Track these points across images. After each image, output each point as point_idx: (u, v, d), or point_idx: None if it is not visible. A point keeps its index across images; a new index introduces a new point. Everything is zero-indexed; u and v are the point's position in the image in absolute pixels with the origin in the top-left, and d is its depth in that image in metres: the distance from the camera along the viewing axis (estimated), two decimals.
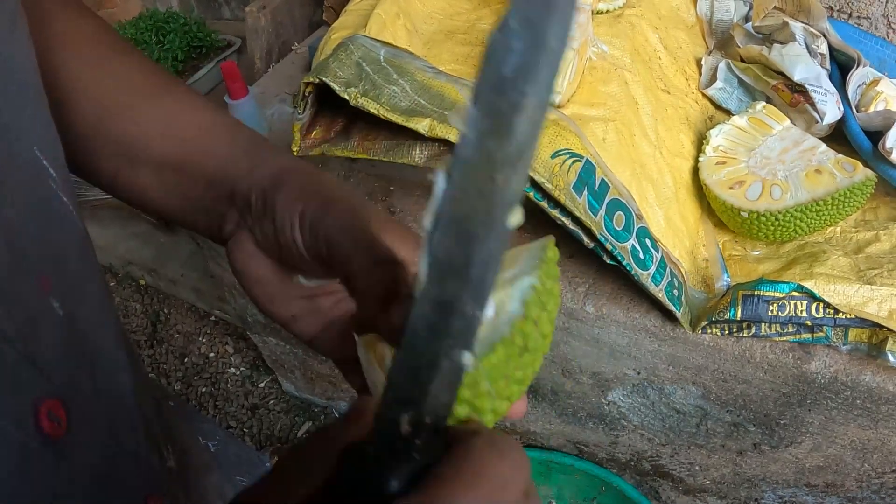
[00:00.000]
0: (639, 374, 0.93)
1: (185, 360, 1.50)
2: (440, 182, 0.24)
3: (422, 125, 0.70)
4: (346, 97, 0.71)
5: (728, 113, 1.05)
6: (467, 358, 0.26)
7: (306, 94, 0.74)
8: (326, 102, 0.80)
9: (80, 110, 0.40)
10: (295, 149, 0.79)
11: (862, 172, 0.86)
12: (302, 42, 1.26)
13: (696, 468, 1.11)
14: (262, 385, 1.46)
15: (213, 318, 1.54)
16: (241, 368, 1.48)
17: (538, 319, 0.30)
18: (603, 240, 0.73)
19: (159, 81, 0.43)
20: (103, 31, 0.44)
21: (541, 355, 0.31)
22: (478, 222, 0.24)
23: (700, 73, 1.08)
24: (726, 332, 0.83)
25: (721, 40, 1.15)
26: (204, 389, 1.45)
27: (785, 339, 0.83)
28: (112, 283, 1.62)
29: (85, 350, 0.35)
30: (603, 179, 0.74)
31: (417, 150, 0.73)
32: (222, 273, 1.18)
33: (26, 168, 0.32)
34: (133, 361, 0.44)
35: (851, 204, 0.87)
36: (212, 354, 1.50)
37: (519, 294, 0.30)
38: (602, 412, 1.04)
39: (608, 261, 0.76)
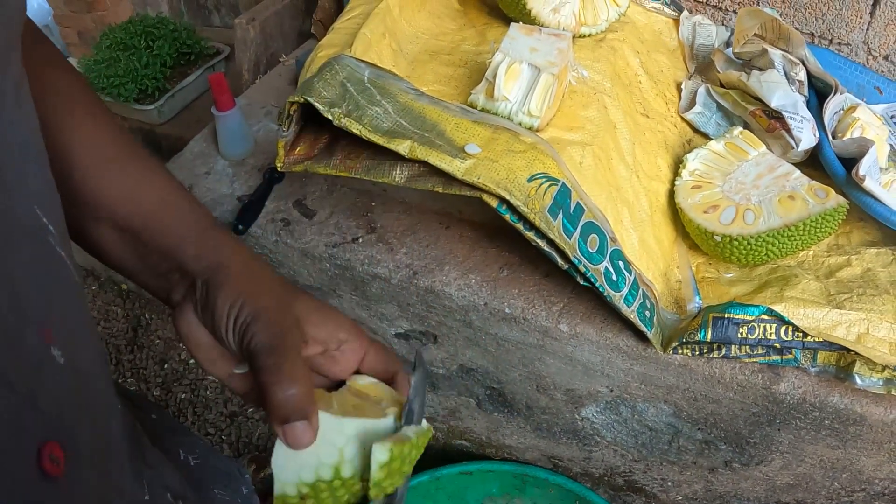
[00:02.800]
0: (611, 391, 0.95)
1: (165, 365, 1.50)
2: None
3: (402, 147, 0.71)
4: (330, 117, 0.73)
5: (706, 137, 1.07)
6: None
7: (291, 112, 0.75)
8: (311, 118, 0.82)
9: (51, 165, 0.42)
10: (279, 164, 0.80)
11: (834, 199, 0.88)
12: (290, 54, 1.27)
13: (669, 484, 1.12)
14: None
15: None
16: None
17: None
18: (577, 262, 0.74)
19: (126, 149, 0.47)
20: (80, 91, 0.47)
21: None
22: None
23: (680, 97, 1.10)
24: (697, 352, 0.85)
25: (702, 65, 1.17)
26: (183, 396, 1.46)
27: (754, 360, 0.85)
28: (94, 288, 1.62)
29: (83, 396, 0.37)
30: (578, 203, 0.75)
31: (398, 170, 0.74)
32: None
33: (27, 224, 0.34)
34: (120, 401, 0.47)
35: (823, 230, 0.89)
36: (192, 361, 1.50)
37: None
38: (576, 428, 1.06)
39: (581, 282, 0.78)
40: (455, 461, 1.21)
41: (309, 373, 0.44)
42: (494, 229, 0.94)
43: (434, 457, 1.27)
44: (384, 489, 0.46)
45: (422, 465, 1.20)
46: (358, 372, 0.51)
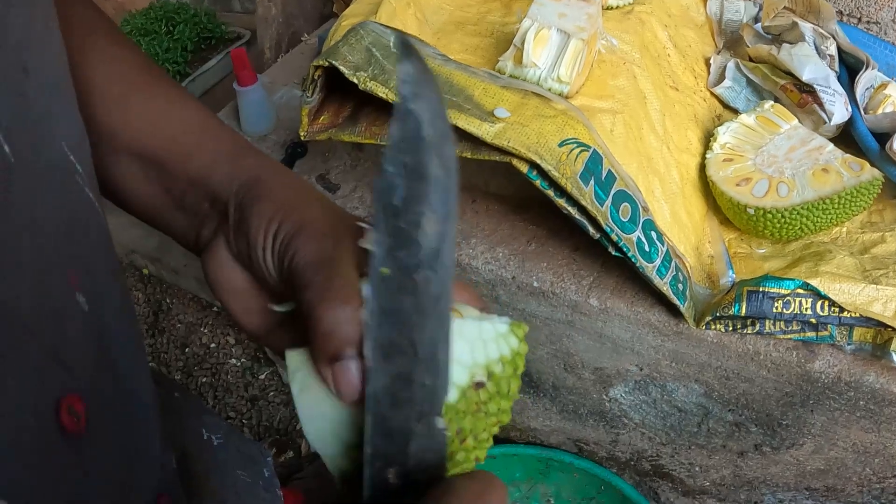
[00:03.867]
0: (641, 370, 0.93)
1: (186, 350, 1.50)
2: (365, 289, 0.31)
3: None
4: (355, 81, 0.71)
5: (736, 112, 1.05)
6: (440, 423, 0.32)
7: (315, 77, 0.74)
8: (335, 88, 0.81)
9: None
10: (302, 133, 0.79)
11: (869, 172, 0.86)
12: (312, 33, 1.26)
13: (697, 469, 1.10)
14: (262, 377, 1.46)
15: (215, 308, 1.54)
16: (242, 360, 1.48)
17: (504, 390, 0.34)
18: (609, 230, 0.73)
19: (152, 77, 0.43)
20: (101, 21, 0.44)
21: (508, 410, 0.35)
22: (411, 313, 0.31)
23: (709, 72, 1.08)
24: (730, 328, 0.83)
25: (730, 40, 1.15)
26: (204, 380, 1.45)
27: (789, 336, 0.83)
28: None
29: (107, 348, 0.34)
30: (610, 170, 0.74)
31: None
32: None
33: (55, 163, 0.32)
34: (148, 363, 0.44)
35: (858, 203, 0.86)
36: (213, 345, 1.50)
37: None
38: (603, 409, 1.04)
39: (613, 252, 0.76)
40: None
41: (361, 298, 0.34)
42: (522, 202, 0.92)
43: None
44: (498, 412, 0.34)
45: None
46: None
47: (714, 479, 1.11)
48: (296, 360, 0.34)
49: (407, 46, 0.32)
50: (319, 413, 0.33)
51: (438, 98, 0.32)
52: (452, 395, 0.33)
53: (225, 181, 0.39)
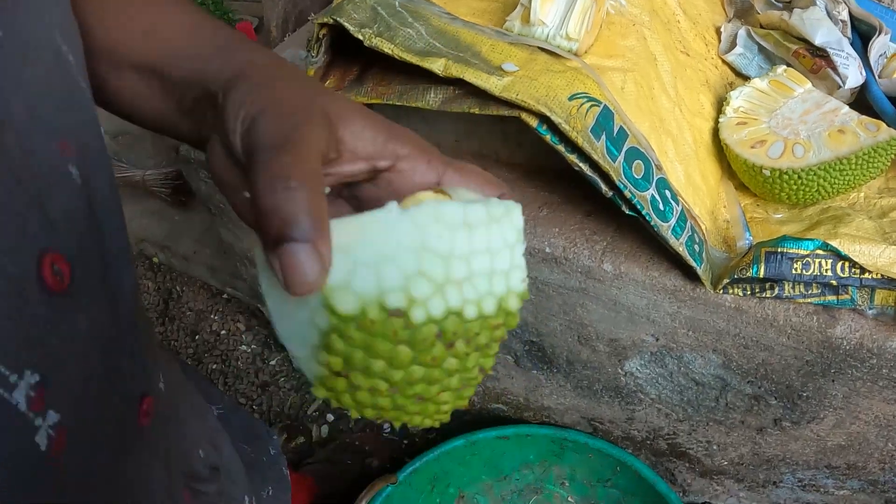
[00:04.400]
0: (657, 340, 0.91)
1: (197, 337, 1.49)
2: None
3: (437, 65, 0.69)
4: (361, 38, 0.70)
5: (747, 79, 1.04)
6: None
7: (321, 36, 0.73)
8: (342, 52, 0.80)
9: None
10: None
11: (886, 132, 0.84)
12: (319, 13, 1.26)
13: (714, 447, 1.08)
14: (272, 363, 1.46)
15: (225, 295, 1.53)
16: (253, 346, 1.48)
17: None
18: (622, 187, 0.71)
19: None
20: None
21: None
22: None
23: (719, 41, 1.07)
24: (748, 292, 0.81)
25: (741, 9, 1.14)
26: (214, 366, 1.45)
27: (809, 300, 0.81)
28: None
29: (96, 222, 0.34)
30: (622, 126, 0.72)
31: (432, 93, 0.71)
32: (234, 241, 1.18)
33: (46, 44, 0.32)
34: (134, 271, 0.43)
35: (875, 164, 0.84)
36: (223, 332, 1.49)
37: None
38: (618, 384, 1.02)
39: (627, 211, 0.74)
40: (491, 426, 1.17)
41: (321, 179, 0.30)
42: (532, 169, 0.90)
43: (469, 421, 1.24)
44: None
45: (457, 430, 1.18)
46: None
47: (732, 457, 1.09)
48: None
49: None
50: (286, 311, 0.31)
51: None
52: (423, 289, 0.29)
53: (216, 76, 0.37)
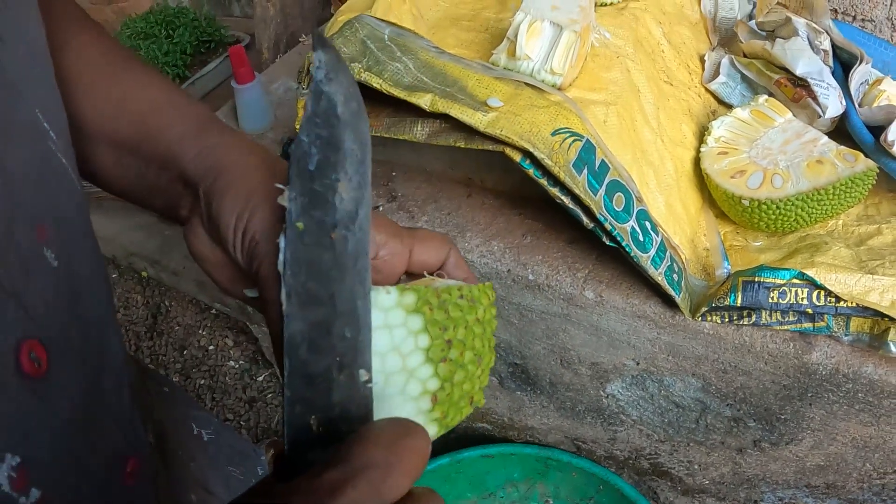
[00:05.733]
0: (638, 364, 0.92)
1: (185, 352, 1.50)
2: (282, 241, 0.32)
3: (423, 100, 0.70)
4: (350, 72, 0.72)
5: (730, 108, 1.06)
6: (363, 375, 0.33)
7: (310, 69, 0.75)
8: None
9: None
10: (298, 125, 0.79)
11: (863, 163, 0.86)
12: (309, 34, 1.27)
13: (696, 467, 1.10)
14: (260, 378, 1.46)
15: (213, 311, 1.54)
16: (241, 362, 1.48)
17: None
18: (602, 220, 0.73)
19: (117, 58, 0.44)
20: (72, 10, 0.45)
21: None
22: (329, 267, 0.32)
23: (703, 69, 1.09)
24: (726, 319, 0.83)
25: (725, 38, 1.16)
26: (202, 382, 1.45)
27: (786, 328, 0.83)
28: (114, 275, 1.62)
29: (75, 303, 0.35)
30: (603, 160, 0.74)
31: (419, 126, 0.73)
32: None
33: (27, 125, 0.33)
34: (120, 333, 0.44)
35: (853, 194, 0.87)
36: (211, 347, 1.50)
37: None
38: (601, 405, 1.03)
39: (607, 242, 0.76)
40: (476, 445, 1.18)
41: None
42: (517, 197, 0.92)
43: (455, 440, 1.25)
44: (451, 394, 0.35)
45: (442, 448, 1.19)
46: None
47: (713, 476, 1.10)
48: None
49: (321, 38, 0.34)
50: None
51: (351, 82, 0.34)
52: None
53: (192, 164, 0.39)
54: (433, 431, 0.36)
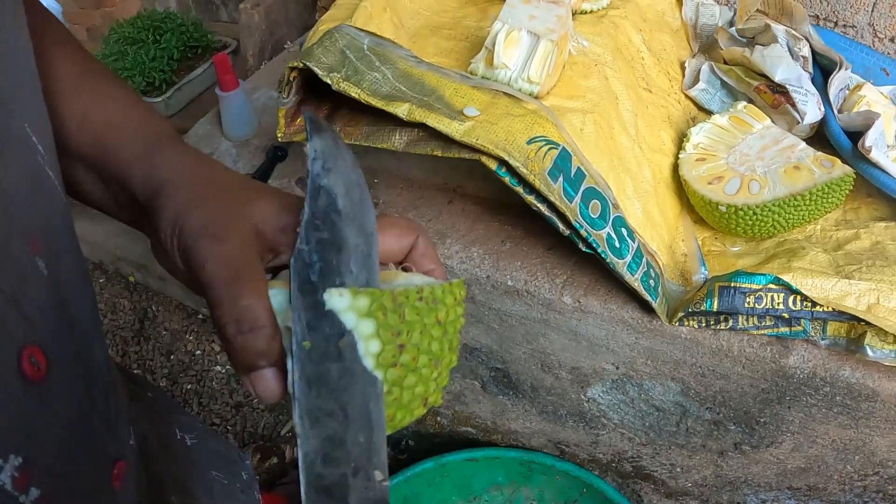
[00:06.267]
0: (617, 368, 0.93)
1: (172, 357, 1.50)
2: (289, 362, 0.32)
3: (401, 109, 0.71)
4: (329, 81, 0.73)
5: (710, 114, 1.06)
6: (378, 475, 0.33)
7: (291, 79, 0.76)
8: (313, 91, 0.82)
9: None
10: (279, 134, 0.80)
11: (840, 169, 0.87)
12: (295, 41, 1.28)
13: (678, 469, 1.11)
14: None
15: (200, 316, 1.54)
16: (227, 367, 1.49)
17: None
18: (578, 226, 0.74)
19: (82, 71, 0.44)
20: (46, 21, 0.45)
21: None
22: (338, 378, 0.32)
23: (683, 75, 1.10)
24: (703, 324, 0.84)
25: (705, 44, 1.17)
26: (189, 386, 1.46)
27: (762, 332, 0.83)
28: (101, 280, 1.63)
29: (64, 310, 0.36)
30: (579, 168, 0.75)
31: (397, 135, 0.74)
32: None
33: (18, 141, 0.34)
34: (105, 342, 0.45)
35: (830, 200, 0.87)
36: (198, 352, 1.50)
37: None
38: (582, 409, 1.04)
39: (583, 248, 0.77)
40: (460, 448, 1.19)
41: (267, 303, 0.35)
42: (497, 204, 0.93)
43: (439, 444, 1.26)
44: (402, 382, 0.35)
45: (426, 452, 1.20)
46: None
47: (696, 479, 1.11)
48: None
49: (314, 122, 0.33)
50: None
51: (351, 166, 0.33)
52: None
53: (141, 184, 0.40)
54: None
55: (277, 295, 0.34)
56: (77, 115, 0.42)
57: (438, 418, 1.22)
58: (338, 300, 0.32)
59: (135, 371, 1.47)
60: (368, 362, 0.33)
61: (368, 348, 0.33)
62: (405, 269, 0.40)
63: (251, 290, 0.34)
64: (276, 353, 0.34)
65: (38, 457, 0.32)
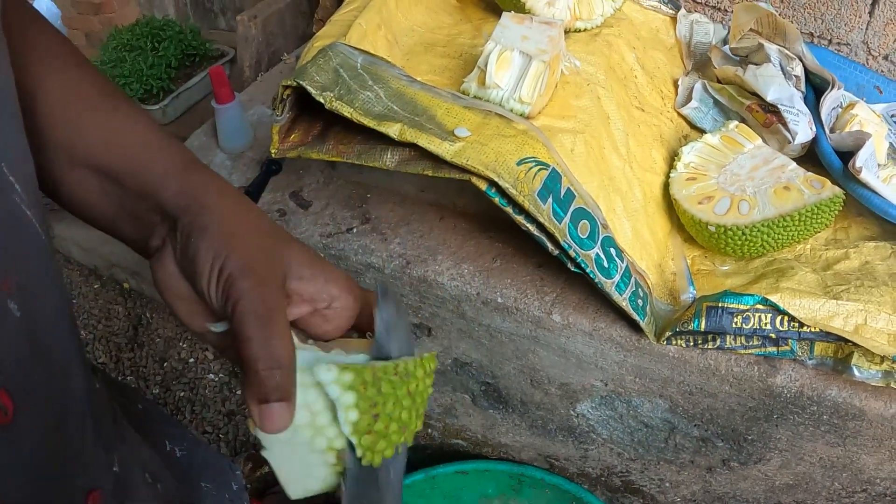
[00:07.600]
0: (606, 385, 0.94)
1: (165, 364, 1.51)
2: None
3: (392, 129, 0.72)
4: (322, 101, 0.73)
5: (702, 132, 1.07)
6: None
7: (284, 97, 0.76)
8: (307, 108, 0.82)
9: (28, 118, 0.43)
10: (273, 150, 0.80)
11: (830, 189, 0.87)
12: (291, 52, 1.28)
13: (667, 485, 1.11)
14: (239, 392, 1.47)
15: None
16: (220, 375, 1.49)
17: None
18: (567, 247, 0.74)
19: (110, 97, 0.46)
20: (61, 45, 0.47)
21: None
22: None
23: (676, 93, 1.10)
24: (691, 343, 0.84)
25: (699, 62, 1.17)
26: (182, 394, 1.46)
27: (750, 352, 0.84)
28: (95, 286, 1.63)
29: (39, 352, 0.36)
30: (569, 188, 0.75)
31: (389, 154, 0.74)
32: None
33: None
34: (88, 371, 0.46)
35: (819, 220, 0.88)
36: (191, 360, 1.51)
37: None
38: (571, 424, 1.05)
39: (572, 268, 0.77)
40: (451, 461, 1.20)
41: (292, 345, 0.40)
42: (488, 220, 0.93)
43: (430, 456, 1.26)
44: (374, 446, 0.40)
45: (417, 464, 1.20)
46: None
47: (684, 494, 1.12)
48: None
49: (385, 292, 0.42)
50: (291, 449, 0.40)
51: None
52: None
53: (174, 197, 0.42)
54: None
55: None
56: (106, 135, 0.44)
57: (429, 430, 1.22)
58: (325, 374, 0.38)
59: (128, 378, 1.48)
60: (346, 428, 0.37)
61: (348, 417, 0.38)
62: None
63: (281, 332, 0.39)
64: (291, 391, 0.38)
65: (7, 497, 0.32)
